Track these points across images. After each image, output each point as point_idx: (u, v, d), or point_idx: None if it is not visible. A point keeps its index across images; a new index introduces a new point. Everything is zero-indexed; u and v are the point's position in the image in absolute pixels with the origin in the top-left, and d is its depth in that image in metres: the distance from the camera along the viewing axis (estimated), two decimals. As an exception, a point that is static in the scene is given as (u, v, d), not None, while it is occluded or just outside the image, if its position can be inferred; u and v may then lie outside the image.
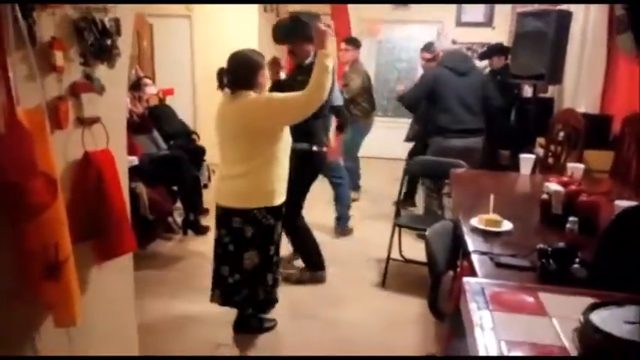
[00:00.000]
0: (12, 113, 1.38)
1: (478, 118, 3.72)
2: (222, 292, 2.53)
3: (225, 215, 2.47)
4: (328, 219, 4.24)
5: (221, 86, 2.44)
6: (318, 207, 4.26)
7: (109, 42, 1.78)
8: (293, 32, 3.03)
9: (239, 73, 2.38)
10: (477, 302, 1.06)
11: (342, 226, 4.18)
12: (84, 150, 1.74)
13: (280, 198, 2.52)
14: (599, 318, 0.79)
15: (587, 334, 0.78)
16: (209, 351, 2.55)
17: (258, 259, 2.48)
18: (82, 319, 1.64)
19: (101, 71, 1.80)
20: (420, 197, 4.68)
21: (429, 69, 4.40)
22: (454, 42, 4.15)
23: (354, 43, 5.08)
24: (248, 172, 2.39)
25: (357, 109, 4.90)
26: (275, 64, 3.12)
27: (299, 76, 2.92)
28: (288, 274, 3.25)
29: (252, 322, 2.67)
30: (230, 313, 2.64)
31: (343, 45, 4.98)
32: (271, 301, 2.63)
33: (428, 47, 4.56)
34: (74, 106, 1.71)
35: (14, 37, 1.41)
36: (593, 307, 0.84)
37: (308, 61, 3.09)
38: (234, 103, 2.38)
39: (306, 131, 2.90)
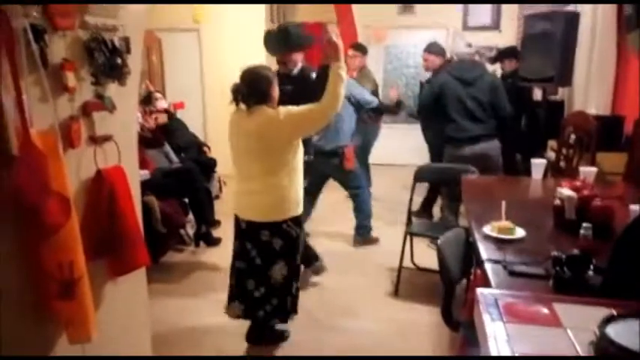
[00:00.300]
0: (26, 135, 1.41)
1: (483, 125, 3.66)
2: (245, 306, 2.54)
3: (251, 229, 2.48)
4: (345, 227, 4.23)
5: (236, 102, 2.46)
6: (333, 216, 4.27)
7: (119, 61, 1.81)
8: (285, 43, 3.05)
9: (254, 88, 2.40)
10: (490, 314, 1.06)
11: (362, 237, 4.12)
12: (96, 168, 1.77)
13: (302, 206, 2.58)
14: (614, 331, 0.78)
15: (604, 347, 0.77)
16: (223, 363, 2.56)
17: (286, 270, 2.51)
18: (96, 334, 1.66)
19: (112, 89, 1.83)
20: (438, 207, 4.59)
21: (430, 69, 4.40)
22: (469, 45, 4.08)
23: (362, 49, 5.09)
24: (274, 185, 2.42)
25: (367, 114, 4.91)
26: None
27: (287, 86, 2.89)
28: None
29: (266, 333, 2.67)
30: (243, 325, 2.64)
31: (351, 52, 4.98)
32: (295, 310, 2.65)
33: (429, 48, 4.45)
34: (86, 125, 1.75)
35: (27, 60, 1.45)
36: (608, 320, 0.83)
37: (296, 70, 3.13)
38: (253, 119, 2.39)
39: None
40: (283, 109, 2.42)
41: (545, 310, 1.05)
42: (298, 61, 3.14)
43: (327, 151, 3.73)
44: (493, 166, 3.53)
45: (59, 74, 1.60)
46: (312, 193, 3.68)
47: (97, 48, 1.72)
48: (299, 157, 2.51)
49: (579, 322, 0.98)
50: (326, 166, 3.76)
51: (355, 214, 4.11)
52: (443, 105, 3.73)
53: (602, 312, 1.00)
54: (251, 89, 2.40)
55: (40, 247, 1.47)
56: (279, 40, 3.07)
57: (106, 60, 1.76)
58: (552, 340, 0.94)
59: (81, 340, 1.64)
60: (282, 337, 2.71)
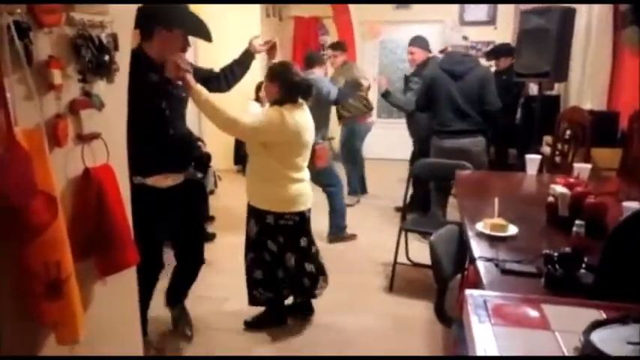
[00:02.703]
0: (10, 134, 1.38)
1: (469, 120, 3.61)
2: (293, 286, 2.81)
3: (306, 217, 2.72)
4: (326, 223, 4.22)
5: (258, 98, 2.51)
6: (316, 213, 4.24)
7: (106, 58, 1.78)
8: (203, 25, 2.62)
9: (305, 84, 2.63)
10: (478, 316, 1.04)
11: (336, 235, 4.12)
12: (84, 166, 1.74)
13: None
14: (600, 338, 0.77)
15: (588, 354, 0.76)
16: None
17: None
18: (85, 334, 1.64)
19: (100, 87, 1.80)
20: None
21: (415, 63, 4.44)
22: (465, 38, 4.03)
23: (340, 47, 4.97)
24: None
25: (344, 109, 4.87)
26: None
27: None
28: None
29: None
30: (239, 320, 2.63)
31: (330, 52, 4.87)
32: None
33: (415, 42, 4.47)
34: (73, 123, 1.71)
35: (11, 58, 1.42)
36: (594, 326, 0.82)
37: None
38: (306, 112, 2.62)
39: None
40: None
41: (535, 313, 1.03)
42: None
43: None
44: (473, 161, 3.40)
45: (45, 72, 1.56)
46: None
47: (83, 45, 1.69)
48: None
49: (568, 324, 0.96)
50: None
51: (330, 213, 4.11)
52: (431, 98, 3.72)
53: (592, 314, 0.99)
54: (305, 85, 2.61)
55: (26, 247, 1.45)
56: (198, 20, 2.60)
57: (94, 57, 1.72)
58: (540, 343, 0.92)
59: (69, 340, 1.62)
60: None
